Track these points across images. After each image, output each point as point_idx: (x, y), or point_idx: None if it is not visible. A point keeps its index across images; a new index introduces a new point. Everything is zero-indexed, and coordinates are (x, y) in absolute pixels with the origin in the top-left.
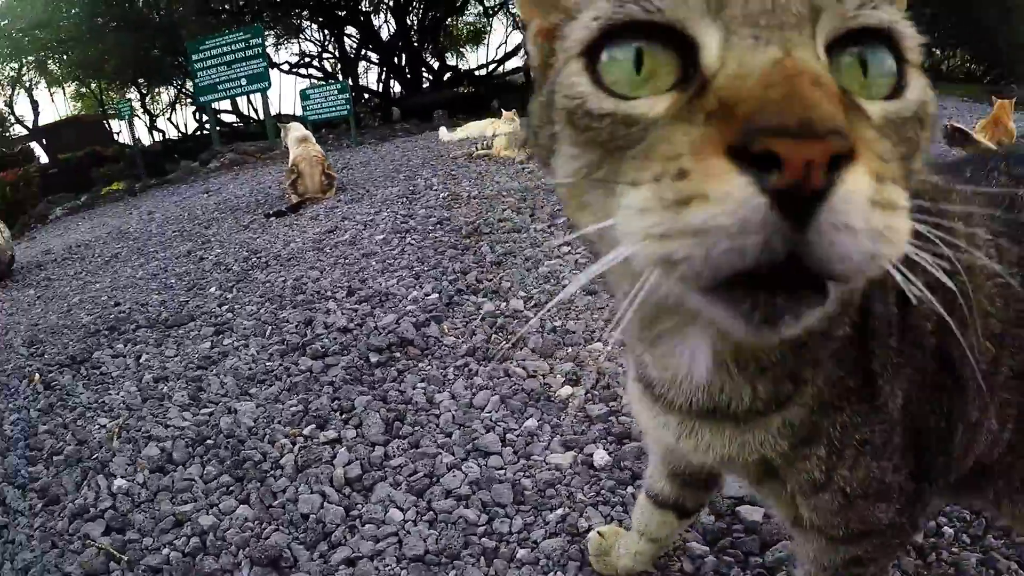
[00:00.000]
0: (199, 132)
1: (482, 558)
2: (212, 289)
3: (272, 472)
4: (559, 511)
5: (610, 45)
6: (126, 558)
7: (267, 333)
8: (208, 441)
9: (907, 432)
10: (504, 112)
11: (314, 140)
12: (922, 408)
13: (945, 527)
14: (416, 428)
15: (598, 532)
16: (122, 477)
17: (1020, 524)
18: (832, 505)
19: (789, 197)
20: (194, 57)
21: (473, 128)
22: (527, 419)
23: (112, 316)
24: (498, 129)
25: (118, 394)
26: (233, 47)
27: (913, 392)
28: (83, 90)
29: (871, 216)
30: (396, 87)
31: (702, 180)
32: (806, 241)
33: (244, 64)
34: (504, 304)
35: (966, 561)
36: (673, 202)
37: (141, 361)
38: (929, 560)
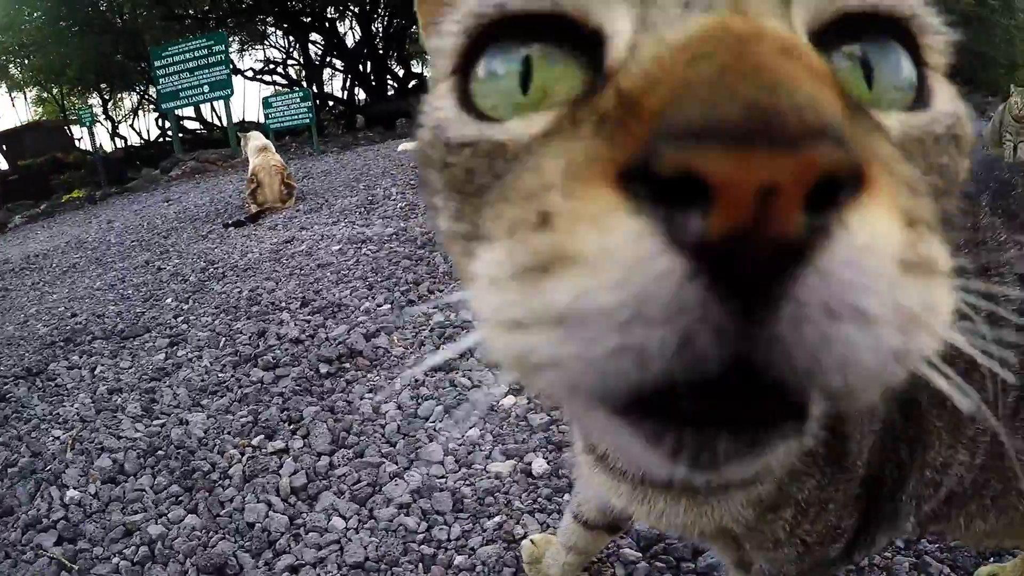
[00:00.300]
0: (161, 139)
1: (420, 564)
2: (168, 300)
3: (220, 482)
4: (496, 518)
5: (490, 54)
6: (77, 567)
7: (220, 344)
8: (159, 452)
9: (864, 480)
10: None
11: (274, 149)
12: (880, 457)
13: None
14: (361, 438)
15: (531, 540)
16: (75, 488)
17: (992, 538)
18: (791, 555)
19: (728, 259)
20: (157, 63)
21: None
22: (470, 428)
23: (68, 327)
24: None
25: (72, 406)
26: (196, 54)
27: (876, 444)
28: (44, 95)
29: (901, 289)
30: (361, 94)
31: (569, 227)
32: (770, 337)
33: (207, 71)
34: (454, 315)
35: (899, 566)
36: (528, 267)
37: (96, 373)
38: (861, 565)
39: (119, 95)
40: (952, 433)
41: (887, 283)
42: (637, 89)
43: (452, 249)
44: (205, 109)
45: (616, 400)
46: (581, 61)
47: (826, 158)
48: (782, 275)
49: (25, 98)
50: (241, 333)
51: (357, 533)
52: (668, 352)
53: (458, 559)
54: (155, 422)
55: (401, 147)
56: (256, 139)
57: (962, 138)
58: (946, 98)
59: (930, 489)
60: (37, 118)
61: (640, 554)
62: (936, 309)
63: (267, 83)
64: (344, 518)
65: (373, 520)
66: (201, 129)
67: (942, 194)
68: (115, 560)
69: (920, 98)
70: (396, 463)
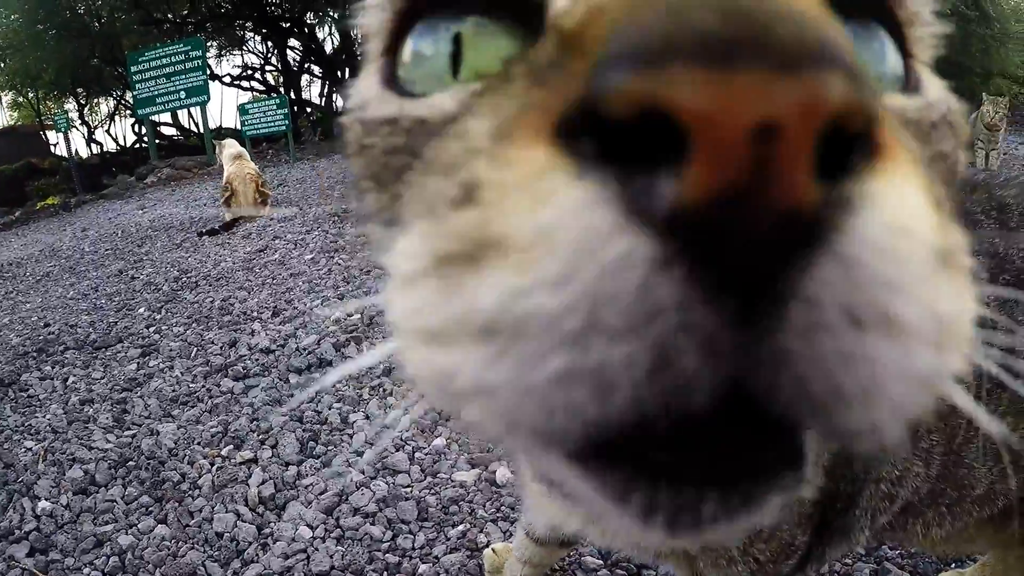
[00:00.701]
0: (137, 145)
1: (385, 573)
2: (141, 310)
3: (190, 492)
4: (460, 527)
5: (417, 33)
6: None
7: (192, 355)
8: (130, 463)
9: (818, 499)
10: None
11: (248, 157)
12: (834, 473)
13: None
14: (329, 447)
15: (492, 549)
16: (46, 499)
17: (949, 544)
18: (744, 572)
19: (715, 239)
20: (133, 68)
21: None
22: (436, 438)
23: (41, 338)
24: None
25: (44, 417)
26: (173, 59)
27: (829, 462)
28: (20, 100)
29: (937, 289)
30: (339, 101)
31: (498, 201)
32: (777, 354)
33: (183, 77)
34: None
35: (859, 572)
36: (449, 257)
37: (68, 383)
38: (822, 572)
39: (95, 100)
40: (913, 441)
41: (923, 280)
42: (580, 23)
43: (376, 246)
44: (182, 115)
45: (570, 443)
46: (519, 34)
47: (839, 91)
48: (791, 263)
49: (0, 102)
50: (212, 343)
51: (323, 542)
52: (638, 377)
53: (422, 567)
54: (126, 433)
55: None
56: (231, 147)
57: (958, 128)
58: (937, 88)
59: (885, 502)
60: (12, 123)
61: (601, 562)
62: (966, 316)
63: (244, 89)
64: (311, 527)
65: (339, 529)
66: (177, 135)
67: (946, 185)
68: (86, 571)
69: (908, 89)
70: (363, 472)
